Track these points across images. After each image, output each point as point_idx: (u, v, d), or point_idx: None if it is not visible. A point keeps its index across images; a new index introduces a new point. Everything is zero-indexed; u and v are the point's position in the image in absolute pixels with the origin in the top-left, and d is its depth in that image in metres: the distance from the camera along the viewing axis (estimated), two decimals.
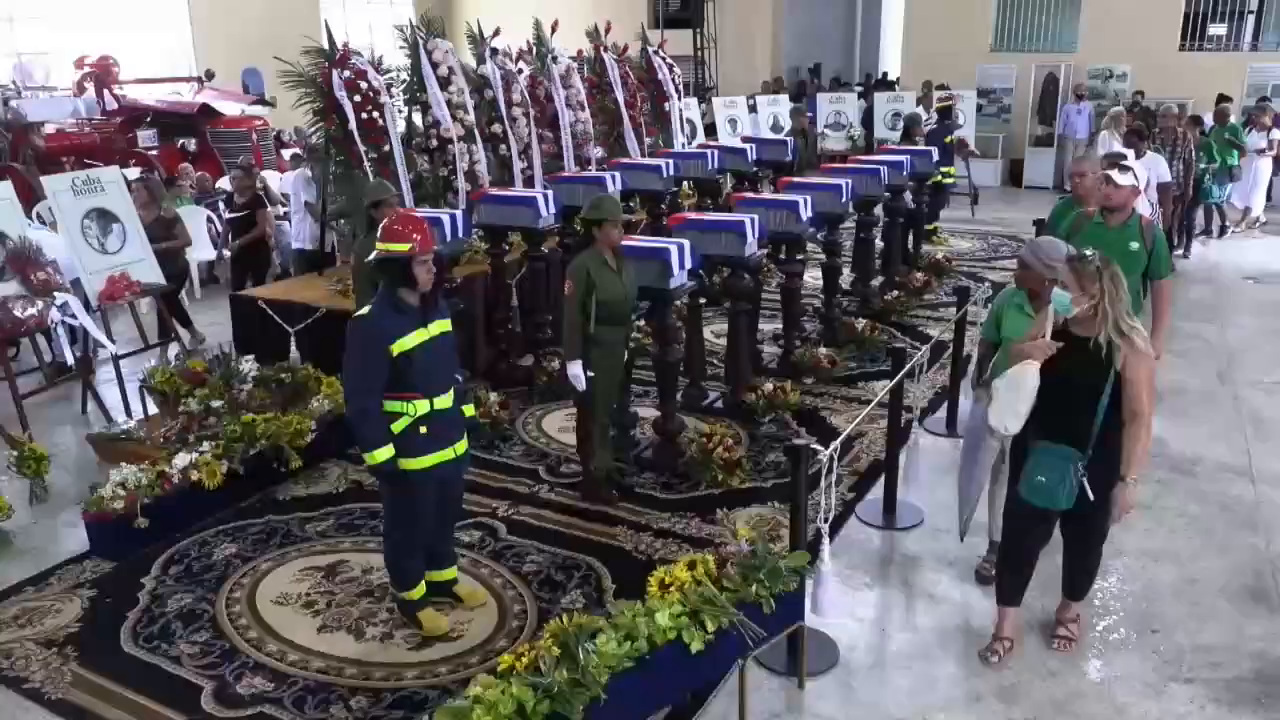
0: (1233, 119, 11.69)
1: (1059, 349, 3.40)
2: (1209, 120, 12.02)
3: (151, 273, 6.97)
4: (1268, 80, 14.40)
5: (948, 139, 11.50)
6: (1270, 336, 8.00)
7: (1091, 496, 3.44)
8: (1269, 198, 13.12)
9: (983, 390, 4.09)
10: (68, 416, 6.78)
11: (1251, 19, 15.40)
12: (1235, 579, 4.41)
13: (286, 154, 12.99)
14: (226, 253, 9.32)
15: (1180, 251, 10.46)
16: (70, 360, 6.48)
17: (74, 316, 6.30)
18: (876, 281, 8.93)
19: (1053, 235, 5.11)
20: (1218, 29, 15.50)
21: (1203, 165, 10.69)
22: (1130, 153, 7.49)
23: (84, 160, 11.54)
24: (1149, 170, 7.73)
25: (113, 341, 6.70)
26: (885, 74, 19.32)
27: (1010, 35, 16.81)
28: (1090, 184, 5.11)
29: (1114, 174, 4.62)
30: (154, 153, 12.89)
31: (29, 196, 8.77)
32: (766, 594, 3.43)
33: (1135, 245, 4.62)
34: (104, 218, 6.77)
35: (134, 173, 10.89)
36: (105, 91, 13.44)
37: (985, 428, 3.84)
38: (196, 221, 10.02)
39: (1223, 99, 12.62)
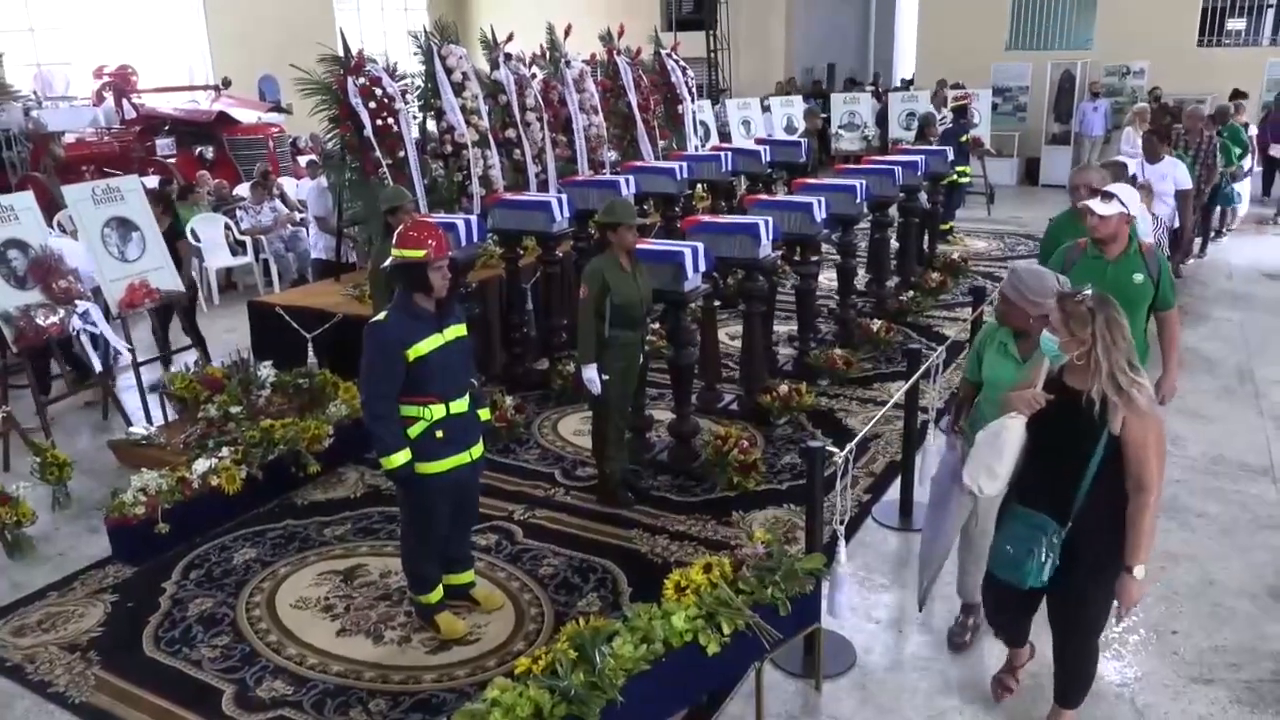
0: (1245, 117, 11.48)
1: (1048, 402, 2.95)
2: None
3: (171, 280, 7.04)
4: None
5: (963, 138, 11.46)
6: None
7: (1045, 577, 2.97)
8: (1267, 193, 12.98)
9: (957, 438, 3.70)
10: (89, 422, 6.85)
11: (1271, 13, 15.26)
12: (1256, 579, 4.38)
13: (303, 160, 13.08)
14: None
15: (1196, 254, 10.25)
16: (99, 367, 6.54)
17: (95, 324, 6.37)
18: (892, 282, 8.92)
19: (1046, 256, 4.78)
20: (1236, 24, 15.36)
21: (1221, 168, 10.16)
22: (1133, 162, 7.06)
23: (103, 169, 11.65)
24: (1165, 177, 7.31)
25: (130, 349, 6.75)
26: (904, 80, 19.27)
27: (1025, 33, 16.74)
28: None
29: (1096, 205, 4.06)
30: (172, 161, 12.99)
31: (50, 205, 8.86)
32: (782, 596, 3.43)
33: (1140, 277, 4.13)
34: (123, 226, 6.84)
35: (152, 181, 11.01)
36: (124, 100, 13.57)
37: (957, 482, 3.37)
38: (214, 229, 10.13)
39: (1237, 95, 12.49)
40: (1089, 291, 2.87)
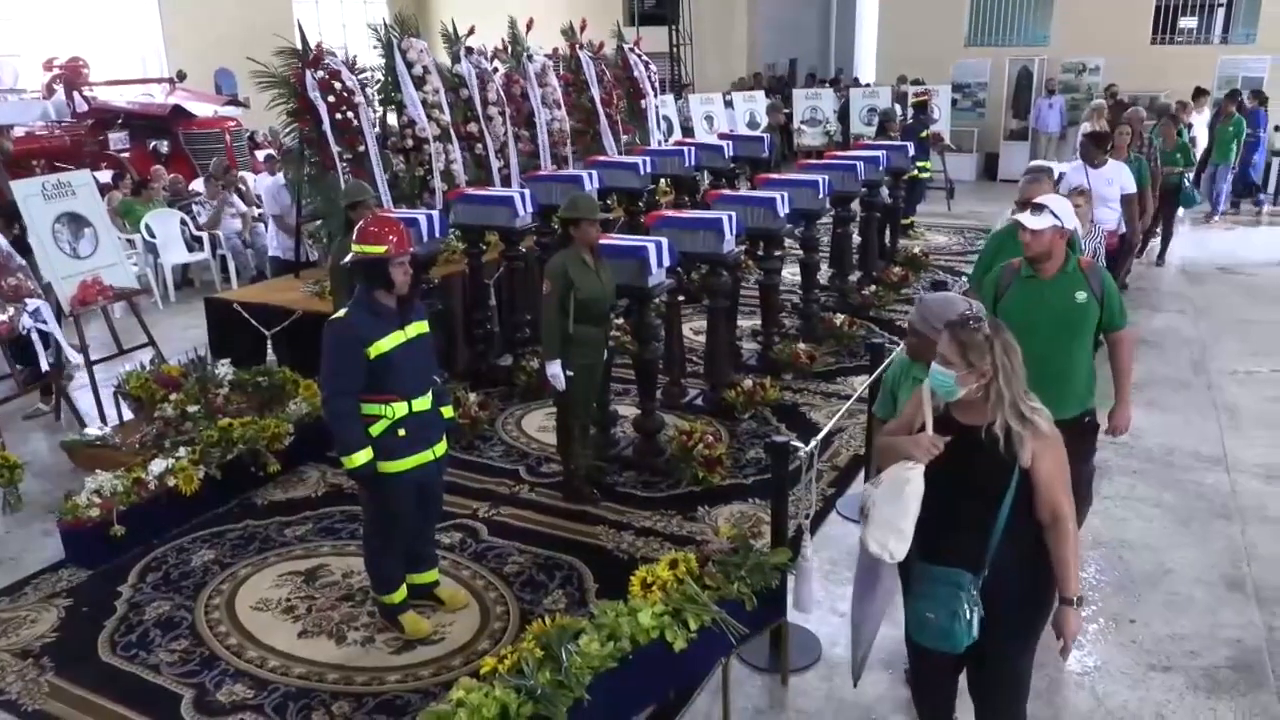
0: (1191, 116, 11.51)
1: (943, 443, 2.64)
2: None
3: (125, 277, 6.89)
4: (1238, 73, 14.56)
5: (923, 134, 11.56)
6: (1242, 326, 8.09)
7: (975, 635, 2.65)
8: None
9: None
10: (41, 424, 6.70)
11: (1221, 11, 15.57)
12: (1211, 568, 4.47)
13: (260, 155, 12.90)
14: None
15: (1154, 262, 10.07)
16: (45, 366, 6.39)
17: (45, 323, 6.22)
18: (854, 276, 8.98)
19: (984, 272, 4.41)
20: (1188, 22, 15.66)
21: (1178, 170, 9.69)
22: (1059, 167, 6.61)
23: (54, 163, 11.40)
24: (1111, 182, 6.89)
25: (83, 349, 6.60)
26: (856, 79, 19.50)
27: (984, 30, 16.94)
28: None
29: (1026, 219, 3.69)
30: (125, 155, 12.75)
31: None
32: (748, 591, 3.43)
33: (1082, 295, 3.73)
34: (75, 222, 6.68)
35: (105, 176, 10.79)
36: (75, 93, 13.28)
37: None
38: (170, 224, 9.95)
39: (1200, 93, 12.71)
40: (981, 316, 2.64)
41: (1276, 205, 13.24)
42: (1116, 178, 6.98)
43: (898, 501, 2.65)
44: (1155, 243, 10.16)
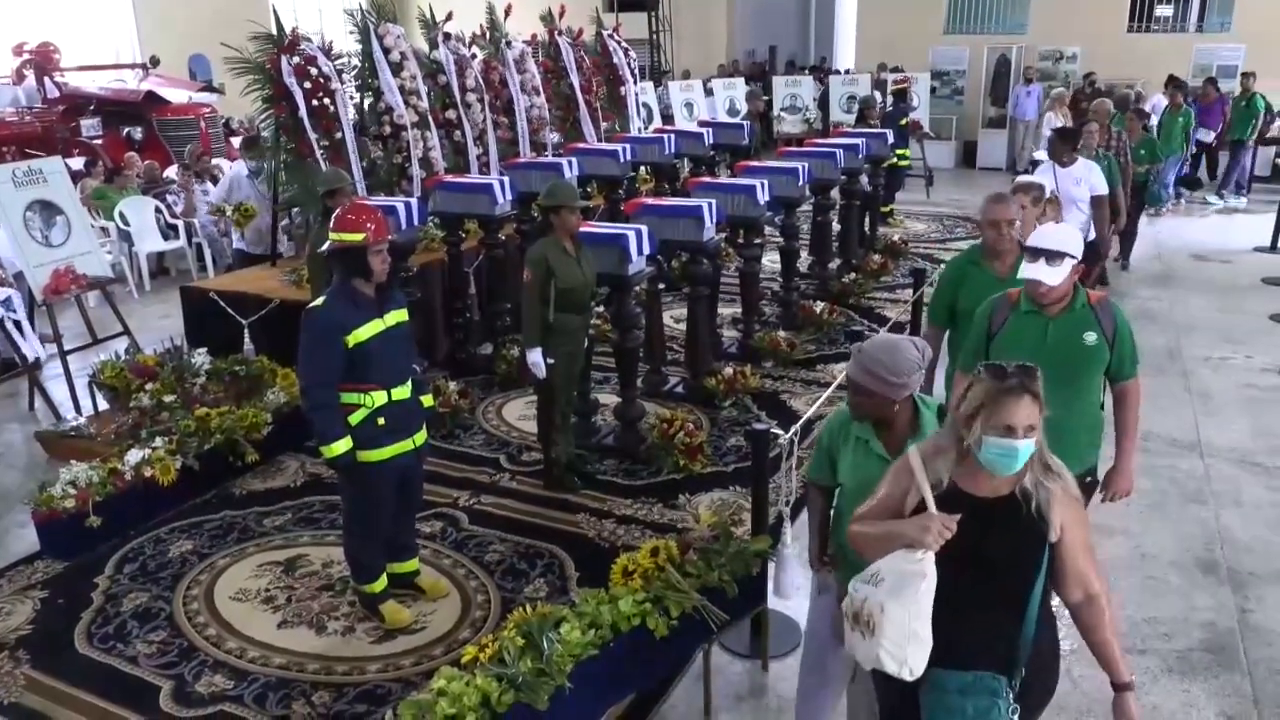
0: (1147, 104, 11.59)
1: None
2: (1158, 100, 12.14)
3: (98, 265, 6.81)
4: (1212, 61, 14.69)
5: (902, 121, 11.60)
6: (1216, 314, 8.18)
7: None
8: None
9: (829, 573, 2.91)
10: (14, 414, 6.62)
11: (1196, 0, 15.69)
12: (1185, 552, 4.52)
13: (236, 142, 12.77)
14: None
15: (1118, 262, 9.64)
16: (31, 356, 6.30)
17: (15, 312, 6.14)
18: (834, 264, 8.99)
19: (940, 304, 4.04)
20: (1164, 10, 15.78)
21: (1144, 167, 9.31)
22: (1038, 155, 6.40)
23: (25, 150, 11.24)
24: (1079, 182, 6.48)
25: (57, 339, 6.53)
26: (827, 68, 19.60)
27: (963, 17, 17.01)
28: (1015, 233, 3.87)
29: (1044, 275, 3.16)
30: (98, 142, 12.60)
31: None
32: (729, 578, 3.45)
33: (1093, 337, 3.26)
34: (47, 210, 6.58)
35: (77, 163, 10.65)
36: (46, 79, 13.11)
37: (831, 631, 2.80)
38: (144, 212, 9.83)
39: (1173, 81, 12.81)
40: (1030, 367, 2.20)
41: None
42: (1085, 177, 6.52)
43: (912, 600, 2.14)
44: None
